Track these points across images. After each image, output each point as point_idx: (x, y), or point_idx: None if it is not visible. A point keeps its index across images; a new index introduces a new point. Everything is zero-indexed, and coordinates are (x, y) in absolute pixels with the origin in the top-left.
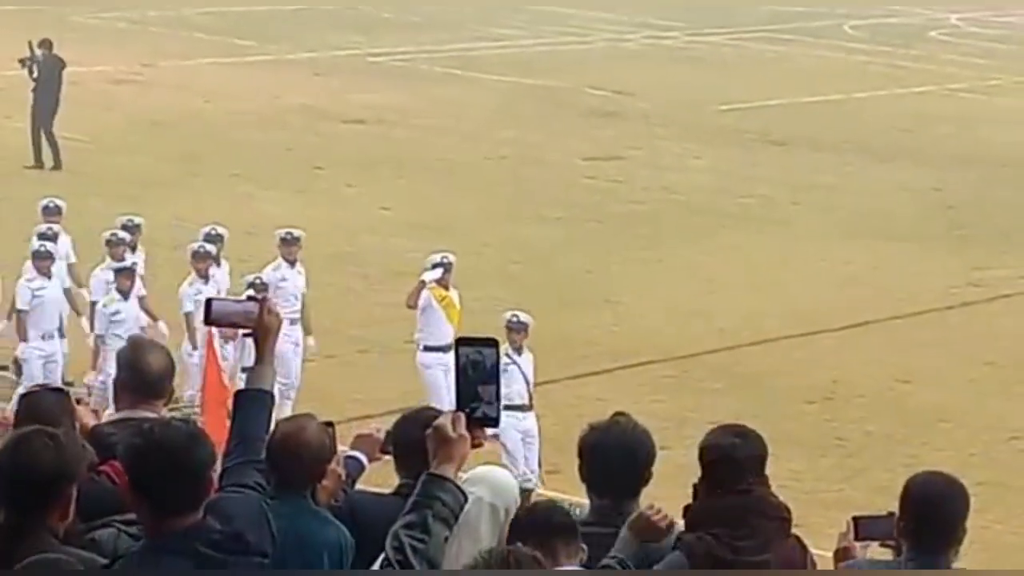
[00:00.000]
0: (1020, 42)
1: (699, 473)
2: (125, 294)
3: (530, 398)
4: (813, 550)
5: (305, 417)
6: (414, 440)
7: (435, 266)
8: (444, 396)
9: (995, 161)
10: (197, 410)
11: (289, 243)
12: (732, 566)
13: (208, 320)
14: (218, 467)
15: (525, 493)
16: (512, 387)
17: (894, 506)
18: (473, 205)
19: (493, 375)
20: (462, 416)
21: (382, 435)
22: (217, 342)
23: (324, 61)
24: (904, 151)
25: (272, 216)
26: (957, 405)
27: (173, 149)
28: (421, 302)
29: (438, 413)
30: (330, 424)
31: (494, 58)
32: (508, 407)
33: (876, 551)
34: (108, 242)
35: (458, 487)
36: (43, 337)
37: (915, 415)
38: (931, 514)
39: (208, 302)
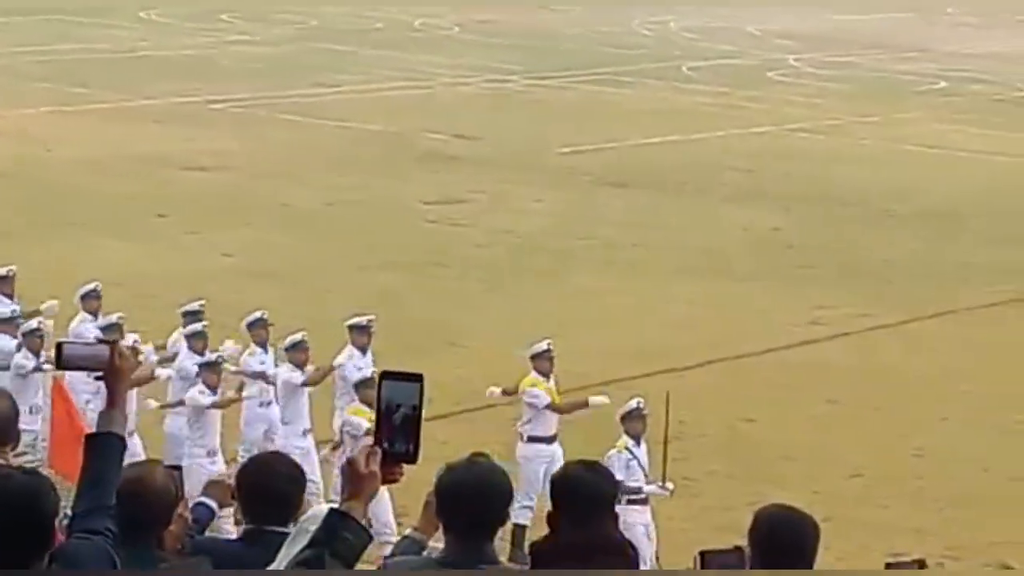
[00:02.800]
0: (856, 82)
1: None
2: (213, 389)
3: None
4: None
5: (150, 462)
6: (256, 485)
7: (537, 355)
8: (538, 489)
9: (835, 200)
10: (41, 454)
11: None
12: None
13: (59, 364)
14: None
15: None
16: (634, 479)
17: (741, 543)
18: (315, 251)
19: (414, 411)
20: (378, 451)
21: (233, 481)
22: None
23: (163, 108)
24: (744, 191)
25: (114, 265)
26: (800, 443)
27: (12, 199)
28: (536, 400)
29: (283, 458)
30: (177, 468)
31: (333, 104)
32: (632, 502)
33: None
34: (190, 336)
35: (362, 526)
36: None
37: (759, 453)
38: (782, 546)
39: (59, 345)
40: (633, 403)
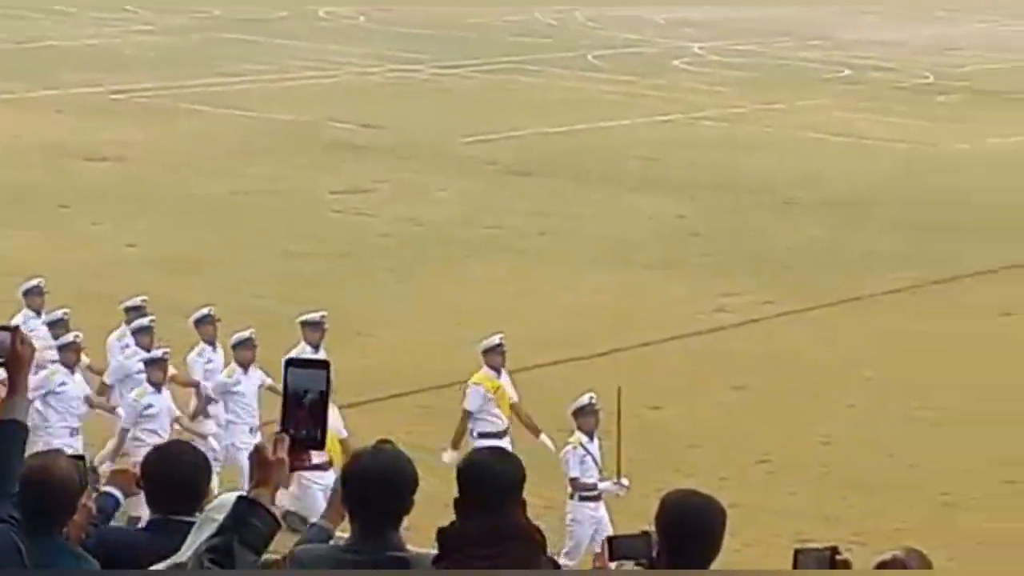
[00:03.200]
0: (761, 69)
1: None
2: (158, 386)
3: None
4: None
5: (54, 452)
6: (161, 474)
7: (489, 350)
8: None
9: (740, 188)
10: None
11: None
12: None
13: None
14: None
15: None
16: (587, 477)
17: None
18: (221, 241)
19: (321, 396)
20: (285, 438)
21: (138, 470)
22: None
23: (65, 99)
24: (649, 179)
25: (17, 256)
26: (708, 429)
27: None
28: (478, 399)
29: (187, 447)
30: (80, 458)
31: (238, 93)
32: (584, 498)
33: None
34: (136, 331)
35: (270, 512)
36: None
37: (666, 441)
38: (688, 531)
39: None
40: (585, 398)
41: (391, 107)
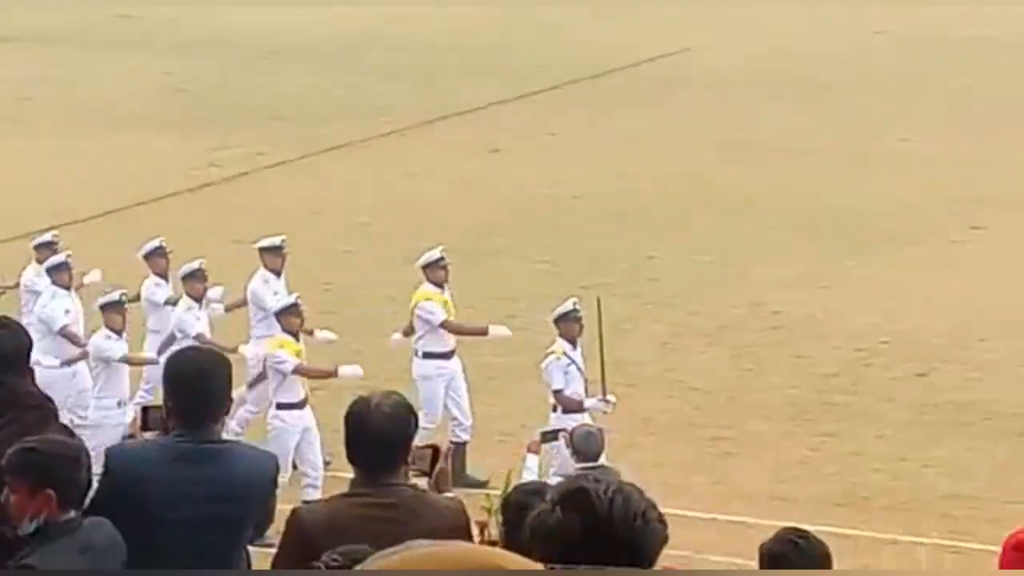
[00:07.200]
0: None
1: None
2: (119, 332)
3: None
4: None
5: None
6: None
7: (430, 264)
8: (439, 409)
9: (223, 42)
10: None
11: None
12: None
13: None
14: None
15: None
16: (574, 388)
17: None
18: None
19: None
20: None
21: None
22: None
23: None
24: (130, 38)
25: None
26: None
27: None
28: (432, 317)
29: None
30: None
31: None
32: (568, 411)
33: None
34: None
35: None
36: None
37: None
38: (192, 387)
39: None
40: (569, 304)
41: None
